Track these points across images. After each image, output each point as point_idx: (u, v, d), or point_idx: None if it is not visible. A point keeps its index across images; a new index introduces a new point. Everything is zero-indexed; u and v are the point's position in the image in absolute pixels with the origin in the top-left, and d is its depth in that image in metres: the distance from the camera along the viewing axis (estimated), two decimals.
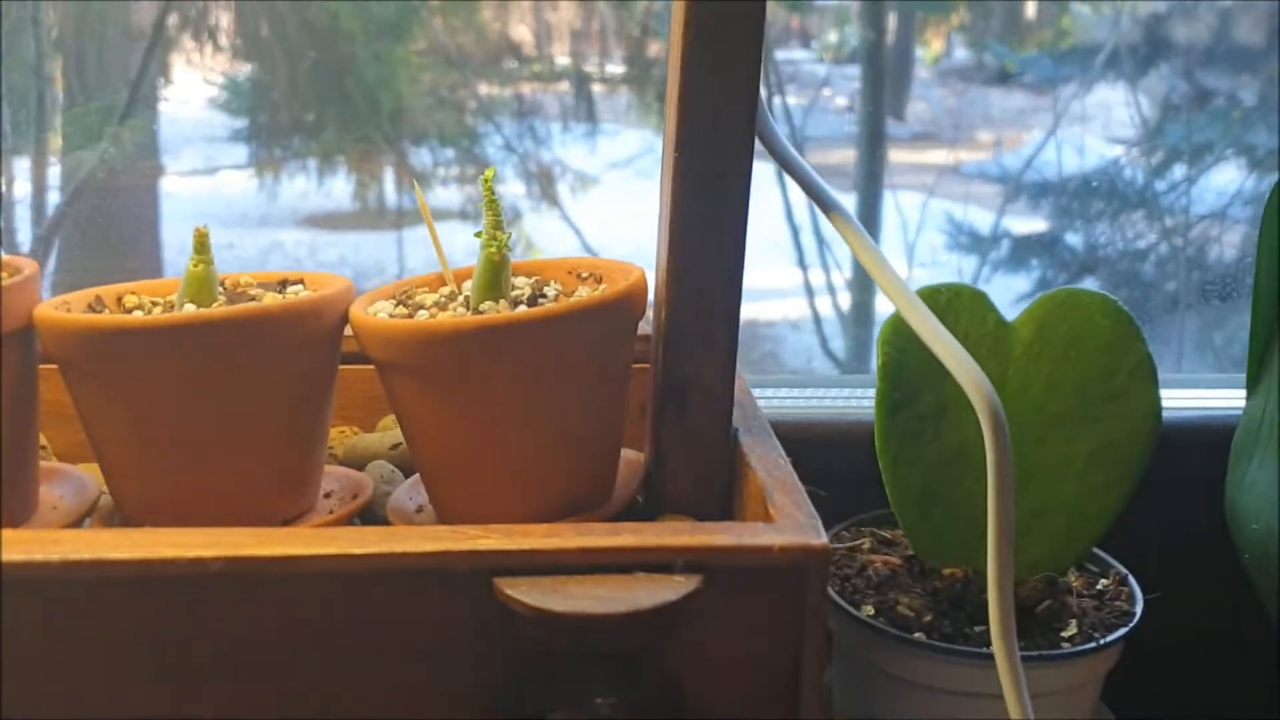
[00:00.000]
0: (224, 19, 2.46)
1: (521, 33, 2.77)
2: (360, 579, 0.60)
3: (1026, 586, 0.87)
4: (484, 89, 2.70)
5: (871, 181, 2.35)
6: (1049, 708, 0.79)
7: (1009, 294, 2.13)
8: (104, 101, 2.27)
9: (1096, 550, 0.94)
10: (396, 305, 0.76)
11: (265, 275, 0.79)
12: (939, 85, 2.62)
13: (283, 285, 0.78)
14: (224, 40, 2.50)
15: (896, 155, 2.73)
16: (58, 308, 0.72)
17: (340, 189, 2.69)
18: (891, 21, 3.14)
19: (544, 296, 0.75)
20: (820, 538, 0.62)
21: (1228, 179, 2.13)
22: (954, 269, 2.17)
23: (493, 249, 0.74)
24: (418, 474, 0.80)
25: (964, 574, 0.88)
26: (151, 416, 0.70)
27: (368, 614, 0.61)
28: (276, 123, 2.58)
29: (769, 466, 0.72)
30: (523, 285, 0.77)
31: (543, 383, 0.70)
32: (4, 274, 0.72)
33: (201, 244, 0.74)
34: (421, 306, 0.75)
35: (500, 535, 0.62)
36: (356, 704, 0.62)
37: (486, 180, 0.73)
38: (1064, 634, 0.85)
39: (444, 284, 0.79)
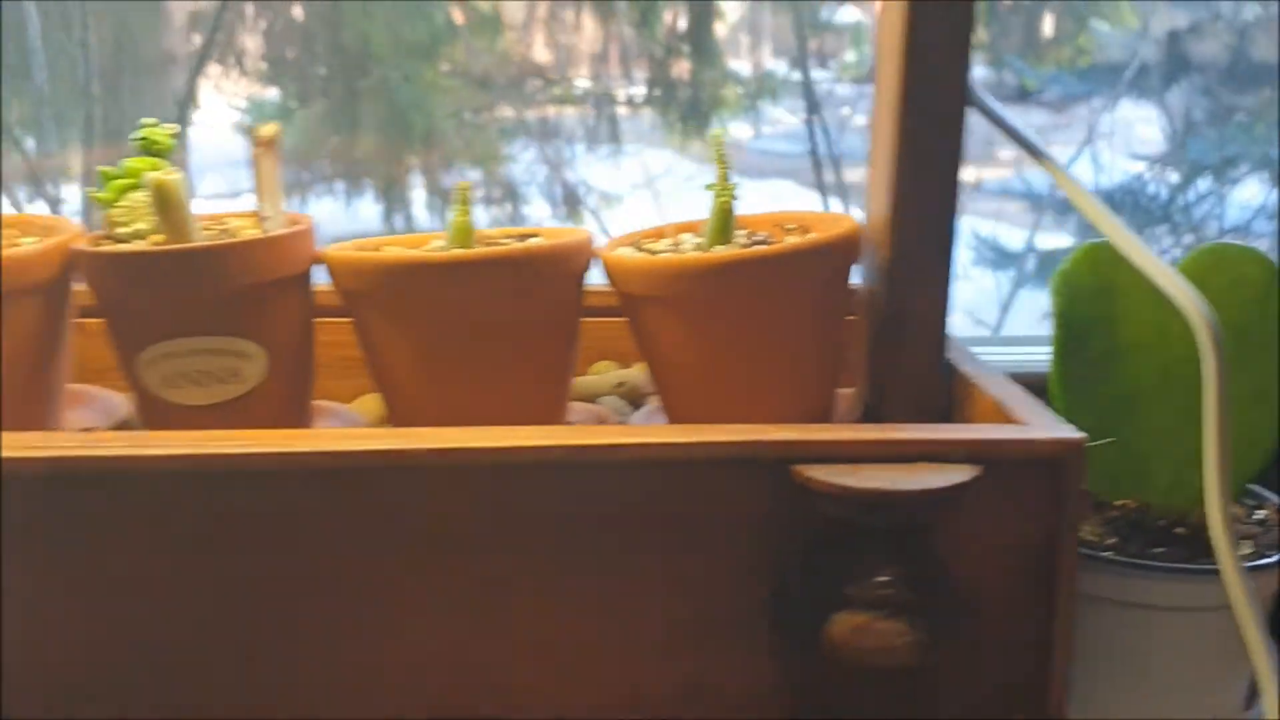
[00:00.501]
0: (250, 43, 2.56)
1: (547, 55, 2.88)
2: (673, 466, 0.71)
3: (1196, 514, 0.97)
4: (510, 111, 2.81)
5: None
6: (1220, 621, 0.90)
7: (1036, 309, 2.20)
8: (138, 123, 2.35)
9: (1250, 485, 1.05)
10: (637, 251, 0.86)
11: (508, 230, 0.89)
12: None
13: (523, 238, 0.88)
14: (250, 64, 2.60)
15: None
16: (342, 250, 0.82)
17: (367, 211, 2.79)
18: None
19: (764, 243, 0.85)
20: (1076, 433, 0.73)
21: (1250, 194, 2.22)
22: (976, 283, 2.25)
23: (725, 198, 0.84)
24: (649, 406, 0.90)
25: (1136, 504, 0.99)
26: (435, 343, 0.80)
27: (678, 497, 0.71)
28: (303, 145, 2.67)
29: (996, 385, 0.82)
30: (738, 235, 0.88)
31: (781, 313, 0.81)
32: (286, 227, 0.82)
33: (463, 198, 0.84)
34: (656, 252, 0.85)
35: (794, 430, 0.72)
36: (666, 581, 0.72)
37: (717, 137, 0.83)
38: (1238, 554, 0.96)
39: (662, 236, 0.89)
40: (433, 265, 0.76)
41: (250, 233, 0.82)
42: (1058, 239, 2.44)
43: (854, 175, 2.61)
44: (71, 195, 2.16)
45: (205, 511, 0.68)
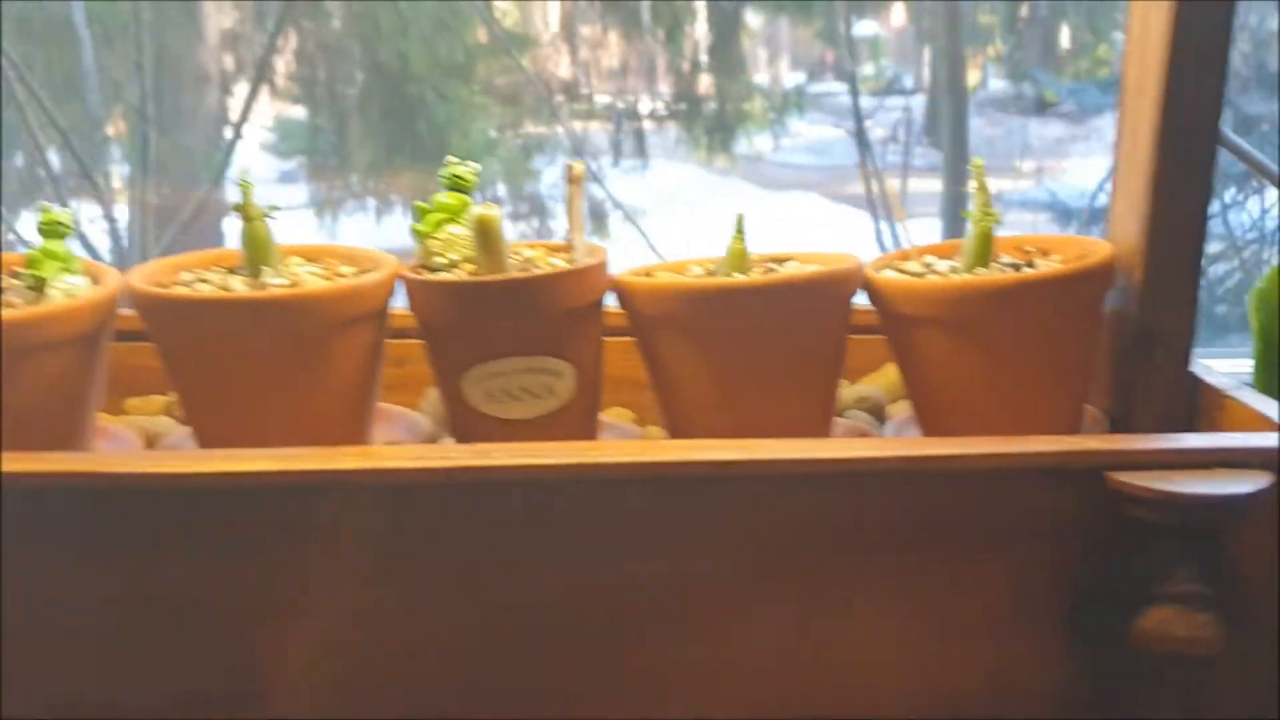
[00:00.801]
0: (280, 63, 2.62)
1: (576, 72, 2.96)
2: (990, 474, 0.79)
3: None
4: (541, 127, 2.89)
5: (956, 207, 2.52)
6: None
7: None
8: (180, 143, 2.43)
9: None
10: (897, 273, 0.94)
11: (764, 255, 0.97)
12: (976, 115, 2.79)
13: (779, 262, 0.96)
14: (280, 84, 2.66)
15: (937, 184, 2.94)
16: (636, 277, 0.90)
17: (399, 226, 2.85)
18: (926, 54, 3.36)
19: (1016, 266, 0.93)
20: None
21: (1271, 201, 2.30)
22: None
23: (986, 223, 0.92)
24: (896, 419, 0.98)
25: None
26: (727, 362, 0.87)
27: (992, 503, 0.79)
28: (331, 164, 2.74)
29: (1248, 396, 0.91)
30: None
31: (1051, 332, 0.88)
32: (588, 259, 0.90)
33: (740, 225, 0.92)
34: (911, 274, 0.93)
35: (1107, 439, 0.81)
36: (974, 581, 0.80)
37: (978, 166, 0.92)
38: None
39: (907, 258, 0.97)
40: (734, 290, 0.84)
41: (555, 262, 0.89)
42: None
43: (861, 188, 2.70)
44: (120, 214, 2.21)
45: (571, 517, 0.76)
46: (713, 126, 2.80)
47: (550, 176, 2.76)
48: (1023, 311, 0.83)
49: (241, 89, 2.78)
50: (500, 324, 0.81)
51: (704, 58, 2.85)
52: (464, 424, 0.84)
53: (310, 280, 0.81)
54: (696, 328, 0.84)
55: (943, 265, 0.90)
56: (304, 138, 2.74)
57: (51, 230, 0.78)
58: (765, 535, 0.74)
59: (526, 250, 0.87)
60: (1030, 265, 0.88)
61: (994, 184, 2.69)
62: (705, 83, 2.89)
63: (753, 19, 3.03)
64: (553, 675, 0.75)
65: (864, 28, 2.91)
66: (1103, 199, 2.61)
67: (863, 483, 0.75)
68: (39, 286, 0.77)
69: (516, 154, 2.71)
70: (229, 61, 2.67)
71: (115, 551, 0.72)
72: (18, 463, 0.70)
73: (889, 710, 0.78)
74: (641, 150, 2.86)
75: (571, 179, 0.85)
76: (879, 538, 0.75)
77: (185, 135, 2.44)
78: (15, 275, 0.80)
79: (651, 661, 0.75)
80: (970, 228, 0.89)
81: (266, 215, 0.81)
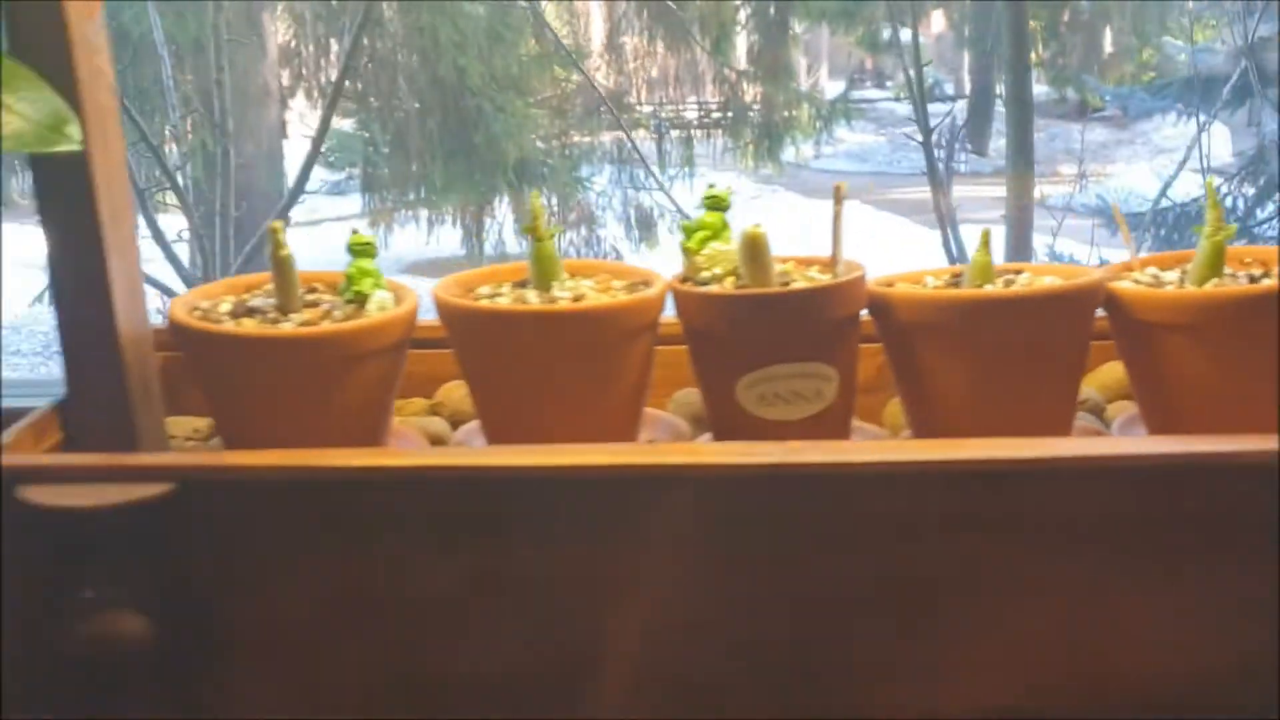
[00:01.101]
0: (331, 76, 2.67)
1: (623, 82, 3.02)
2: (1249, 469, 0.82)
3: None
4: (587, 137, 2.94)
5: (1022, 214, 2.57)
6: None
7: None
8: (245, 156, 2.47)
9: None
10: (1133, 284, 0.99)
11: (1006, 268, 1.01)
12: None
13: (1016, 274, 1.00)
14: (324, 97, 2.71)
15: (981, 190, 3.00)
16: (885, 285, 0.95)
17: (449, 237, 2.91)
18: (966, 59, 3.41)
19: (1258, 278, 0.97)
20: None
21: None
22: None
23: (1220, 237, 0.97)
24: (1123, 417, 1.03)
25: None
26: (982, 366, 0.92)
27: (1252, 496, 0.82)
28: (384, 175, 2.78)
29: None
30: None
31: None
32: (849, 272, 0.94)
33: (985, 240, 0.96)
34: (1140, 283, 0.98)
35: None
36: (1236, 575, 0.84)
37: (1210, 185, 0.96)
38: None
39: (1131, 269, 1.01)
40: (999, 301, 0.89)
41: (813, 275, 0.94)
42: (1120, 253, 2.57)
43: (900, 194, 2.74)
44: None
45: (874, 511, 0.80)
46: (759, 134, 2.84)
47: (598, 184, 2.79)
48: (1266, 319, 0.88)
49: (298, 103, 2.83)
50: (779, 331, 0.86)
51: (750, 66, 2.88)
52: (731, 425, 0.89)
53: (592, 294, 0.86)
54: (958, 335, 0.89)
55: (1169, 275, 0.95)
56: (356, 150, 2.78)
57: (362, 250, 0.83)
58: (1051, 527, 0.79)
59: (779, 264, 0.92)
60: (1267, 275, 0.93)
61: (1037, 189, 2.69)
62: (751, 91, 2.93)
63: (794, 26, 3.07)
64: (860, 664, 0.80)
65: (904, 34, 2.96)
66: (1124, 207, 2.65)
67: (1140, 477, 0.80)
68: (360, 300, 0.82)
69: (566, 163, 2.75)
70: (286, 76, 2.71)
71: (458, 538, 0.77)
72: (376, 458, 0.75)
73: (1152, 695, 0.82)
74: (689, 158, 2.90)
75: (837, 198, 0.90)
76: (1146, 529, 0.79)
77: (249, 148, 2.47)
78: (314, 290, 0.85)
79: (942, 648, 0.80)
80: (1203, 241, 0.93)
81: (553, 235, 0.86)
